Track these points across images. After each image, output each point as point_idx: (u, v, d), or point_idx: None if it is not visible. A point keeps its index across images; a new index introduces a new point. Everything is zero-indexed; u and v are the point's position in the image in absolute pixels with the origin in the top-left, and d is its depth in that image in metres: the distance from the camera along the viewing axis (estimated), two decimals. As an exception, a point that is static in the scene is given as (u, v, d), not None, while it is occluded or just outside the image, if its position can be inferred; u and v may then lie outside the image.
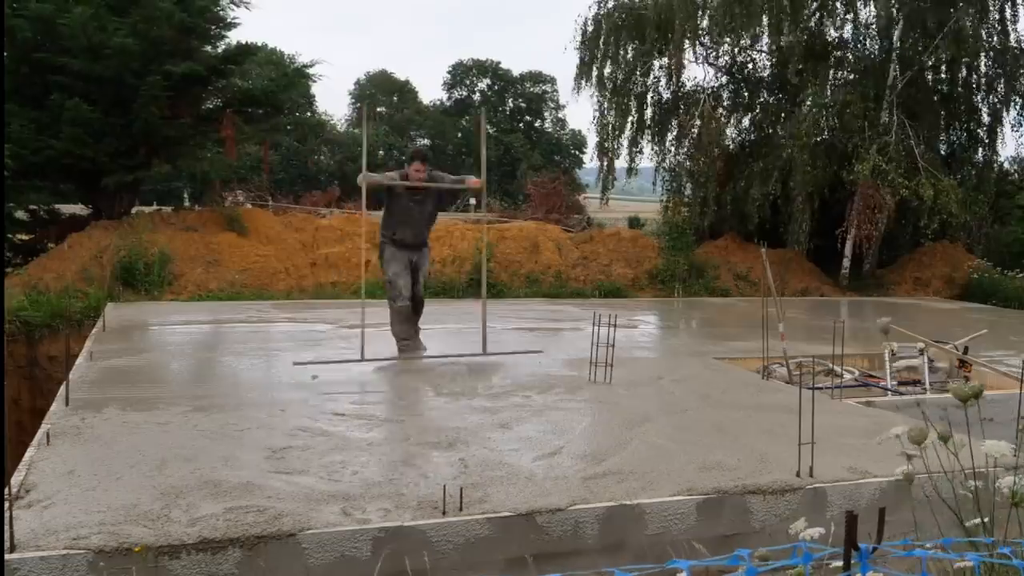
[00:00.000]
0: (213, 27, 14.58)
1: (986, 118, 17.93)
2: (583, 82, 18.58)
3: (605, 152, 18.77)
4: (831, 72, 17.33)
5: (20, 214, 14.40)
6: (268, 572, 3.25)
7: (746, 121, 19.20)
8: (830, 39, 17.60)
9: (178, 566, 3.14)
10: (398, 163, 19.43)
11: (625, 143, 18.65)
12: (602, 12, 18.25)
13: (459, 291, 13.80)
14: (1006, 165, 19.01)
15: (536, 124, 55.90)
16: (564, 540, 3.65)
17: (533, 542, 3.59)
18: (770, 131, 18.11)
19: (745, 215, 16.98)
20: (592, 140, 20.64)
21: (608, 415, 5.61)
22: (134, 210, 15.00)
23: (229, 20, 14.66)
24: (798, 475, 4.14)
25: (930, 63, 17.03)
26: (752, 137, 18.86)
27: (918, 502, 2.59)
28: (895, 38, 16.46)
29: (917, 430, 2.22)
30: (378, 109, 54.56)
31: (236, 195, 19.94)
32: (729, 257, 16.84)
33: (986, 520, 2.14)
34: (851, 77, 17.09)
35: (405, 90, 56.32)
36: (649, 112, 18.77)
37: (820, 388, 6.75)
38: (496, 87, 55.44)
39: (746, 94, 18.92)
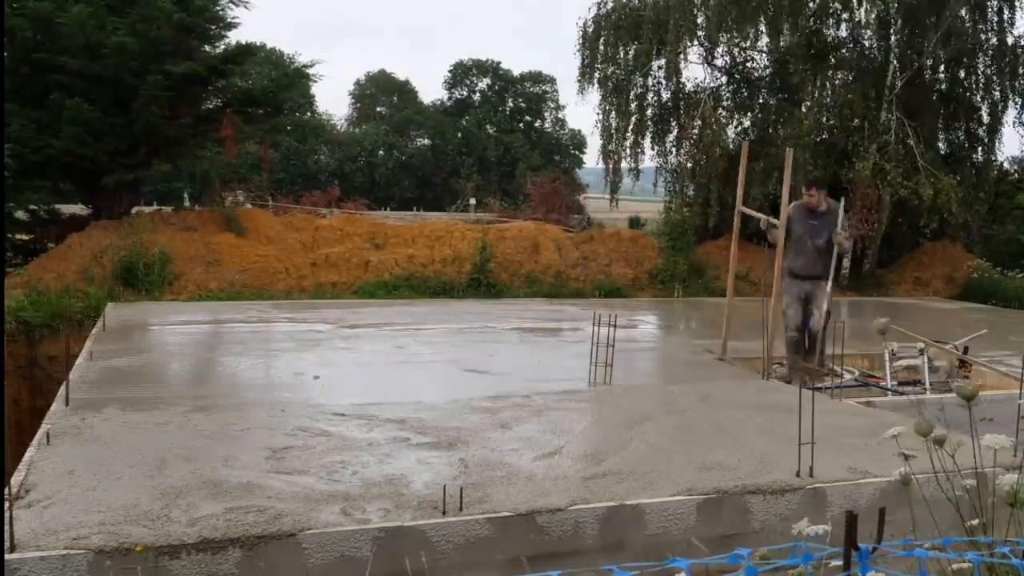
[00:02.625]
0: (213, 27, 14.57)
1: (986, 118, 17.92)
2: (586, 84, 18.59)
3: (610, 154, 18.77)
4: (831, 72, 17.32)
5: (20, 214, 14.38)
6: (268, 572, 3.25)
7: (746, 121, 19.19)
8: (829, 39, 17.59)
9: (178, 566, 3.14)
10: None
11: (627, 144, 18.64)
12: (601, 13, 18.25)
13: (459, 291, 13.81)
14: (1006, 165, 19.02)
15: (536, 124, 55.86)
16: (564, 540, 3.65)
17: (533, 542, 3.59)
18: (770, 131, 18.10)
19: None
20: (595, 142, 20.66)
21: (608, 415, 5.61)
22: (134, 210, 14.99)
23: (229, 20, 14.66)
24: (798, 475, 4.14)
25: (929, 63, 17.03)
26: (752, 137, 18.84)
27: (917, 502, 2.59)
28: (893, 38, 16.46)
29: (924, 424, 2.22)
30: (378, 109, 54.58)
31: (236, 195, 19.92)
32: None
33: (984, 521, 2.14)
34: (850, 77, 17.08)
35: (405, 90, 56.30)
36: (650, 113, 18.77)
37: (820, 388, 6.74)
38: (496, 87, 55.40)
39: (746, 94, 18.92)
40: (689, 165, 18.11)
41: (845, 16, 17.25)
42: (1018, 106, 17.67)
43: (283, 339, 8.76)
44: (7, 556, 2.96)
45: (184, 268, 12.95)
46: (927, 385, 7.77)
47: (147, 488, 3.76)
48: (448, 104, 55.18)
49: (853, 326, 10.22)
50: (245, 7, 14.80)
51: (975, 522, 2.13)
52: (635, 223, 27.45)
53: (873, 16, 16.90)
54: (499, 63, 55.30)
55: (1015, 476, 2.18)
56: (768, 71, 18.81)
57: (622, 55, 18.33)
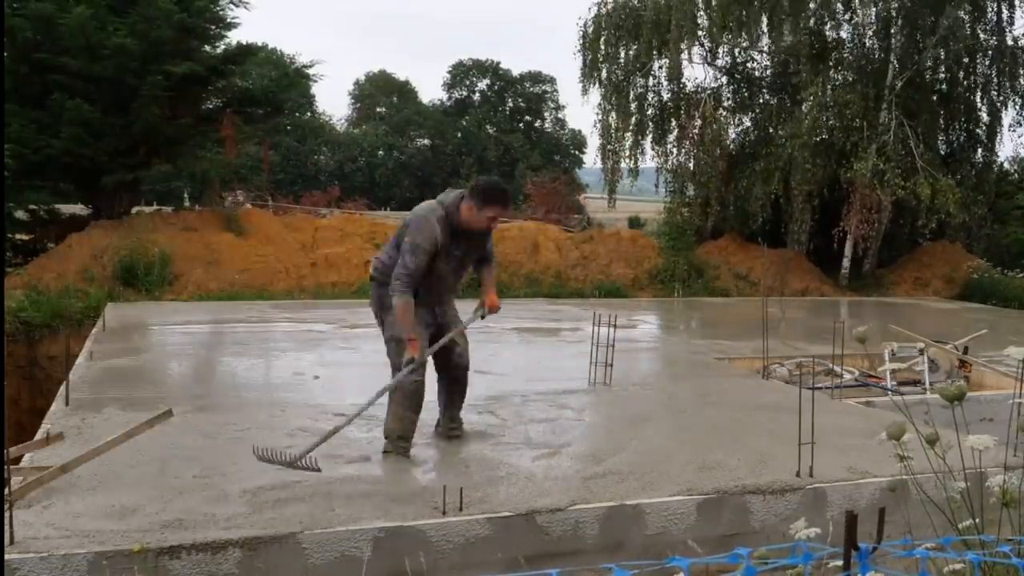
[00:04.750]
0: (213, 27, 14.58)
1: (985, 118, 17.92)
2: (589, 84, 18.59)
3: (609, 154, 18.77)
4: (831, 72, 17.32)
5: (20, 214, 14.39)
6: (268, 572, 3.25)
7: (747, 121, 19.19)
8: (829, 39, 17.60)
9: (178, 566, 3.14)
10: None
11: (627, 144, 18.65)
12: (602, 13, 18.24)
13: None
14: (1005, 165, 19.01)
15: (536, 124, 55.88)
16: (564, 540, 3.65)
17: (533, 542, 3.59)
18: (771, 131, 18.10)
19: (747, 215, 16.99)
20: (595, 142, 20.61)
21: (608, 415, 5.61)
22: (134, 210, 15.00)
23: (229, 20, 14.67)
24: (798, 475, 4.14)
25: (928, 63, 17.03)
26: (753, 137, 18.85)
27: (914, 502, 2.58)
28: (893, 38, 16.46)
29: (896, 427, 2.21)
30: (378, 109, 54.59)
31: (236, 195, 19.94)
32: (729, 257, 16.84)
33: (977, 521, 2.13)
34: (851, 77, 17.09)
35: (405, 90, 56.32)
36: (650, 113, 18.77)
37: (820, 388, 6.75)
38: (496, 87, 55.41)
39: (746, 94, 18.92)
40: (690, 165, 18.11)
41: (846, 17, 17.25)
42: (1017, 106, 17.68)
43: (283, 339, 8.76)
44: (7, 556, 2.96)
45: (184, 268, 12.95)
46: (927, 385, 7.77)
47: (147, 488, 3.76)
48: (448, 104, 55.19)
49: (853, 326, 10.24)
50: (245, 7, 14.83)
51: (967, 523, 2.12)
52: (635, 223, 27.45)
53: (872, 16, 16.92)
54: (499, 63, 55.34)
55: (1005, 476, 2.17)
56: (769, 71, 18.81)
57: (623, 55, 18.33)
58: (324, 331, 9.34)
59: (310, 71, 17.49)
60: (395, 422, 4.52)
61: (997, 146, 18.03)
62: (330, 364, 7.32)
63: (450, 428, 4.92)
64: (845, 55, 17.50)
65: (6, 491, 3.23)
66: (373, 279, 4.72)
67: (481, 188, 4.50)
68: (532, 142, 52.29)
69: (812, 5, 17.19)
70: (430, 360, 4.67)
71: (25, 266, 12.89)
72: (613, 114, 18.45)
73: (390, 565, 3.35)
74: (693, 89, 18.60)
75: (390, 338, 4.64)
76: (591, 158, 24.93)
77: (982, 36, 17.25)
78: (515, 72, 55.50)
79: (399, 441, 4.50)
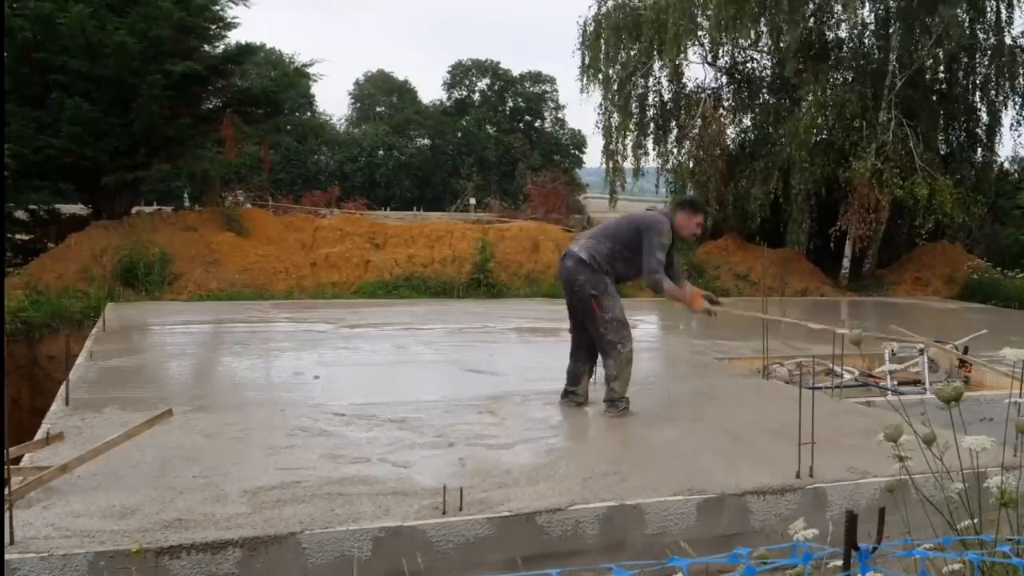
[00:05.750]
0: (213, 27, 14.58)
1: (985, 118, 17.92)
2: (588, 83, 18.60)
3: (611, 154, 18.76)
4: (830, 72, 17.33)
5: (20, 214, 14.38)
6: (268, 572, 3.25)
7: (746, 121, 19.20)
8: (829, 39, 17.60)
9: (178, 566, 3.14)
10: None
11: (629, 144, 18.65)
12: (601, 12, 18.24)
13: (459, 291, 13.81)
14: (1005, 165, 19.00)
15: (536, 124, 55.82)
16: (564, 540, 3.65)
17: (533, 542, 3.59)
18: (770, 131, 18.10)
19: (746, 215, 16.99)
20: (597, 142, 20.61)
21: (608, 415, 5.60)
22: (134, 210, 14.99)
23: (229, 20, 14.67)
24: (798, 475, 4.14)
25: (928, 63, 17.02)
26: (752, 137, 18.85)
27: (914, 503, 2.59)
28: (892, 38, 16.46)
29: (893, 428, 2.21)
30: (377, 109, 54.57)
31: (236, 195, 19.94)
32: (729, 257, 16.83)
33: (976, 521, 2.13)
34: (850, 76, 17.09)
35: (404, 90, 56.27)
36: (651, 113, 18.77)
37: (820, 388, 6.75)
38: (496, 87, 55.35)
39: (746, 94, 18.92)
40: (690, 165, 18.11)
41: (845, 16, 17.25)
42: (1017, 106, 17.68)
43: (283, 339, 8.76)
44: (7, 556, 2.96)
45: (184, 268, 12.95)
46: (927, 385, 7.77)
47: (147, 488, 3.76)
48: (448, 104, 55.12)
49: (853, 326, 10.24)
50: (244, 5, 14.83)
51: (965, 523, 2.12)
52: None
53: (871, 16, 16.92)
54: (498, 63, 55.27)
55: (1004, 476, 2.17)
56: (768, 71, 18.81)
57: (623, 55, 18.33)
58: (324, 331, 9.34)
59: (310, 70, 17.51)
60: (624, 384, 5.58)
61: (997, 146, 18.05)
62: (330, 364, 7.32)
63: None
64: (844, 55, 17.50)
65: (6, 491, 3.23)
66: (592, 267, 5.52)
67: (691, 200, 6.17)
68: (532, 142, 52.21)
69: (811, 5, 17.19)
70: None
71: (25, 266, 12.89)
72: (615, 114, 18.46)
73: (390, 565, 3.36)
74: (693, 89, 18.62)
75: (612, 319, 5.55)
76: (594, 158, 24.93)
77: (981, 36, 17.25)
78: (515, 72, 55.47)
79: (625, 398, 5.57)
